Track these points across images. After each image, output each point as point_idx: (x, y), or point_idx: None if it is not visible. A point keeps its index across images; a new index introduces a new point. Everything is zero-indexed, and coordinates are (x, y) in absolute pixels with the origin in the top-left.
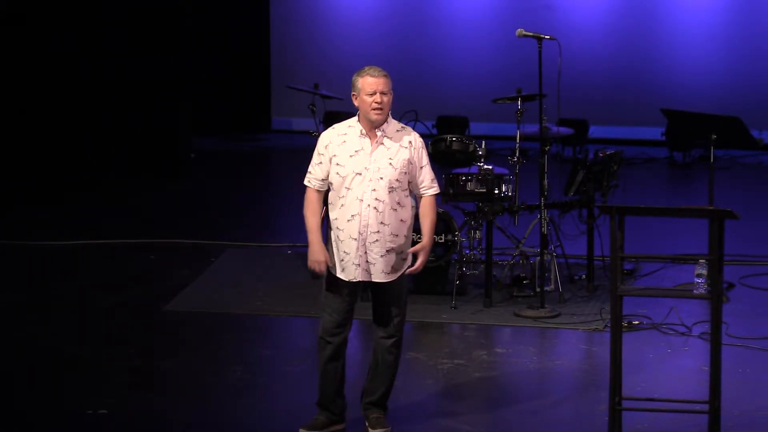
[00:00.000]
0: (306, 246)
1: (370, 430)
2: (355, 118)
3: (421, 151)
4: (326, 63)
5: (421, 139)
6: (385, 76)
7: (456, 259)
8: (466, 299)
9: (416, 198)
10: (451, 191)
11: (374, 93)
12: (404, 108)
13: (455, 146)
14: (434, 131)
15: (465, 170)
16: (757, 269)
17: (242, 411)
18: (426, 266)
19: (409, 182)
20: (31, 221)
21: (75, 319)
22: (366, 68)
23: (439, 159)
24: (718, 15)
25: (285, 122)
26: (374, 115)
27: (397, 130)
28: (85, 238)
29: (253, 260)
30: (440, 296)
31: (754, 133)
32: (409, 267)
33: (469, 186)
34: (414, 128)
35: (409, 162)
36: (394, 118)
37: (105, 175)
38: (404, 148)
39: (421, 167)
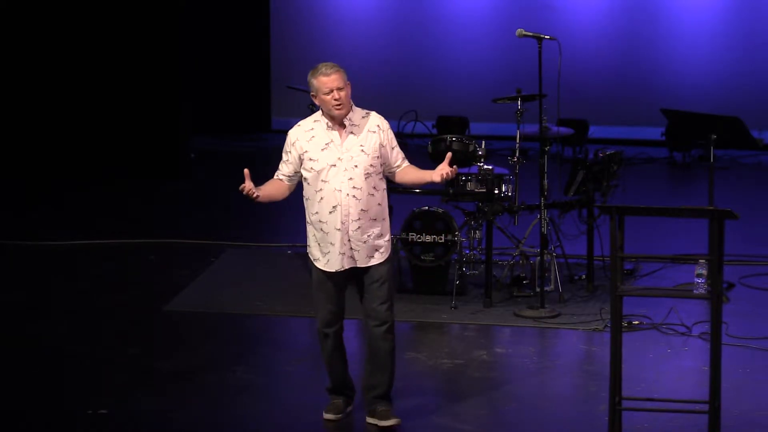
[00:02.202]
0: (305, 245)
1: (379, 422)
2: (319, 113)
3: (390, 133)
4: None
5: (386, 122)
6: (337, 71)
7: (456, 259)
8: (466, 299)
9: (389, 177)
10: (451, 191)
11: (331, 91)
12: (404, 108)
13: (455, 146)
14: (434, 131)
15: (465, 170)
16: (757, 269)
17: (242, 411)
18: (426, 266)
19: (381, 164)
20: (30, 221)
21: (75, 319)
22: (319, 67)
23: (440, 159)
24: (719, 15)
25: (285, 122)
26: (335, 111)
27: (363, 117)
28: (85, 238)
29: (253, 260)
30: (440, 296)
31: (754, 133)
32: (388, 253)
33: (469, 186)
34: (414, 128)
35: (381, 145)
36: (392, 117)
37: (105, 174)
38: (372, 132)
39: (393, 148)
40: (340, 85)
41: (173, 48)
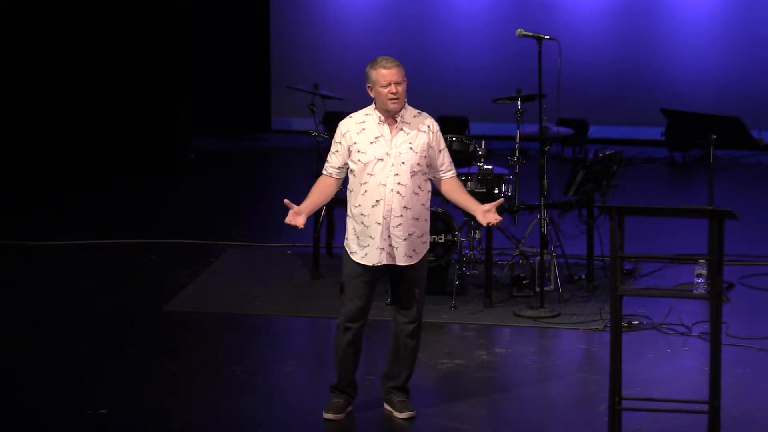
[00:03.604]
0: (305, 245)
1: (395, 413)
2: (372, 107)
3: (439, 135)
4: (326, 63)
5: (437, 124)
6: (398, 66)
7: (456, 259)
8: (466, 299)
9: (433, 182)
10: None
11: (389, 84)
12: None
13: (455, 146)
14: None
15: (465, 170)
16: (757, 269)
17: (242, 411)
18: (426, 266)
19: (428, 166)
20: (31, 221)
21: (75, 319)
22: (379, 59)
23: None
24: (719, 15)
25: (285, 122)
26: (391, 105)
27: (414, 116)
28: (85, 238)
29: (253, 260)
30: (440, 296)
31: (754, 133)
32: (428, 251)
33: (469, 186)
34: None
35: (429, 146)
36: None
37: (105, 175)
38: (423, 132)
39: (440, 150)
40: (398, 79)
41: (173, 48)
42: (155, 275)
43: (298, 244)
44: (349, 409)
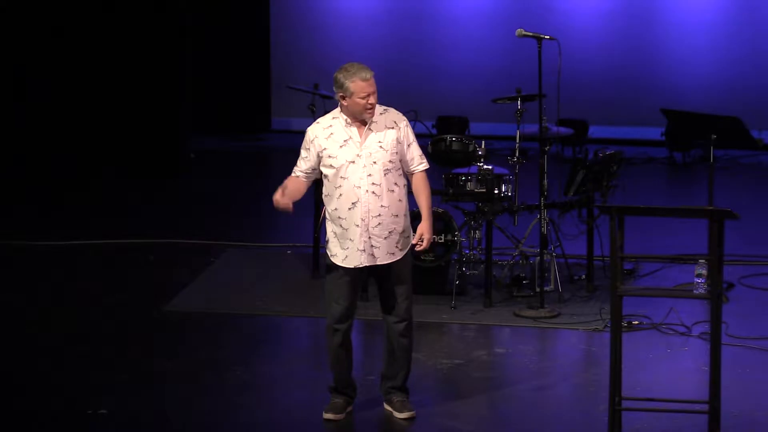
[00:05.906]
0: (305, 245)
1: (395, 413)
2: (338, 110)
3: (407, 129)
4: (326, 63)
5: (405, 118)
6: (372, 75)
7: (456, 259)
8: (466, 299)
9: (407, 176)
10: (451, 191)
11: (367, 96)
12: (404, 108)
13: (455, 146)
14: (434, 131)
15: (465, 170)
16: (757, 269)
17: (242, 411)
18: (426, 266)
19: (399, 160)
20: (30, 221)
21: (75, 319)
22: (353, 69)
23: (439, 159)
24: (718, 15)
25: (285, 122)
26: (368, 115)
27: (381, 113)
28: (85, 238)
29: (253, 260)
30: (440, 296)
31: (754, 133)
32: (412, 246)
33: (469, 186)
34: (414, 128)
35: (398, 141)
36: None
37: (105, 174)
38: (390, 129)
39: (409, 145)
40: (375, 89)
41: (173, 48)
42: (155, 275)
43: (298, 244)
44: (349, 409)
